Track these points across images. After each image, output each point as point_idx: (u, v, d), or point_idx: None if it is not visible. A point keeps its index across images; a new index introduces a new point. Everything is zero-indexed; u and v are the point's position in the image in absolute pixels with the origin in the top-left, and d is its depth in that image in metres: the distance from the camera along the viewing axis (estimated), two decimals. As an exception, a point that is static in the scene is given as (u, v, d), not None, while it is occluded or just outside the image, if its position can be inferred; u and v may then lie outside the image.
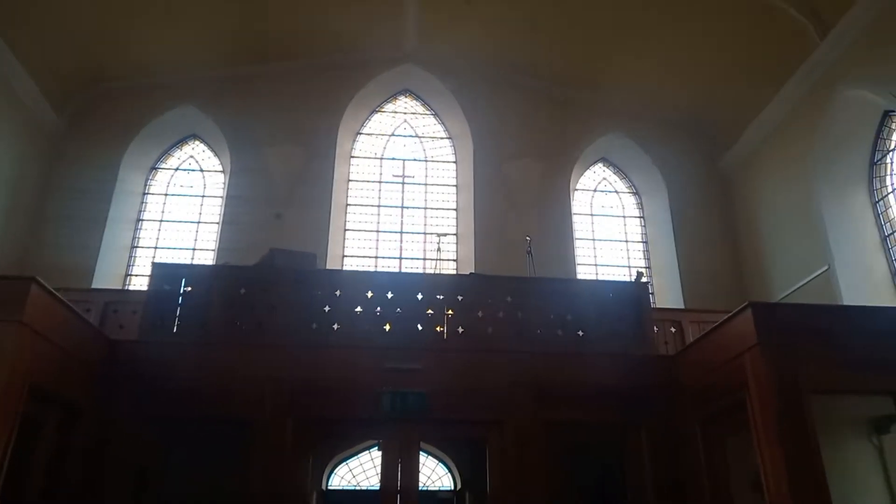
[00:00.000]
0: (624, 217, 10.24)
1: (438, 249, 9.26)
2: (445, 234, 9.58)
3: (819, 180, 7.75)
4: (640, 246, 10.04)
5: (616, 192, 10.41)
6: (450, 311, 5.68)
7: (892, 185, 7.36)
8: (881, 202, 7.46)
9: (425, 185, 10.12)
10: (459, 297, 5.69)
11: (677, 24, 8.46)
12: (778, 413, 4.02)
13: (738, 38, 8.29)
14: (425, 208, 9.95)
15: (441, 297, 5.71)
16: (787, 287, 8.06)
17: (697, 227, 9.60)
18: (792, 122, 8.33)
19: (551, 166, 9.71)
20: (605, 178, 10.46)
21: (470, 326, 5.58)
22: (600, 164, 10.45)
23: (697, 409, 5.05)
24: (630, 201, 10.36)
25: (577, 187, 10.13)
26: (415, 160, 10.28)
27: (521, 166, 9.64)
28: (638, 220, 10.22)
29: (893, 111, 7.03)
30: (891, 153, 7.39)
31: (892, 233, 7.29)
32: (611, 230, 10.09)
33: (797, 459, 3.87)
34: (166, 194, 9.75)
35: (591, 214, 10.12)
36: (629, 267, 9.75)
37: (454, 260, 9.57)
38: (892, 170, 7.38)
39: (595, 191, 10.33)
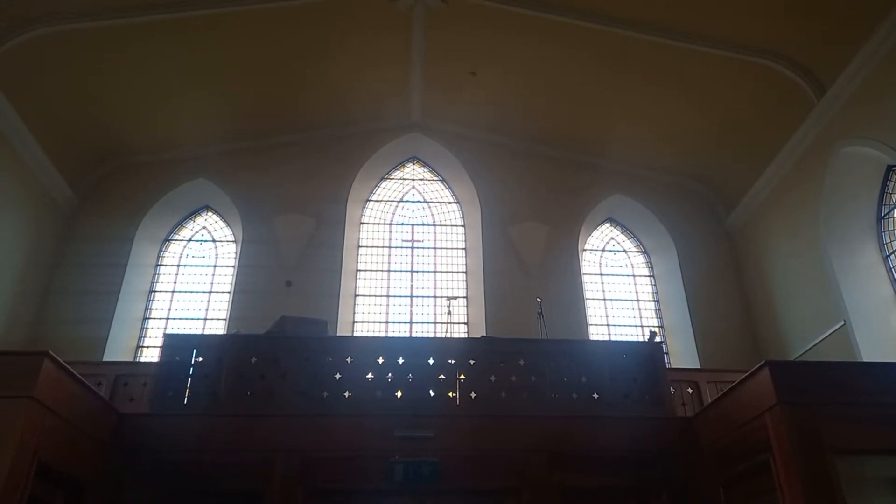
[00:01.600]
0: (634, 276, 10.22)
1: (449, 313, 9.25)
2: (456, 298, 9.58)
3: (827, 237, 7.73)
4: (652, 305, 9.97)
5: (625, 251, 10.43)
6: (462, 376, 5.63)
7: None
8: (892, 256, 7.42)
9: (434, 248, 10.20)
10: (471, 362, 5.64)
11: (674, 89, 8.67)
12: (802, 474, 3.91)
13: (736, 101, 8.45)
14: (435, 272, 9.99)
15: (453, 361, 5.67)
16: (803, 345, 7.94)
17: (708, 285, 9.55)
18: (795, 181, 8.39)
19: (558, 228, 9.79)
20: (612, 238, 10.51)
21: (482, 391, 5.51)
22: (607, 224, 10.52)
23: (719, 471, 4.92)
24: (639, 260, 10.36)
25: (585, 247, 10.16)
26: (423, 224, 10.40)
27: (528, 229, 9.72)
28: (648, 279, 10.19)
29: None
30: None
31: (908, 285, 7.22)
32: (621, 290, 10.06)
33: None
34: (179, 265, 9.86)
35: (601, 274, 10.11)
36: (641, 326, 9.66)
37: (465, 323, 9.53)
38: (898, 223, 7.38)
39: (604, 250, 10.36)
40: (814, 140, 7.99)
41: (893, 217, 7.46)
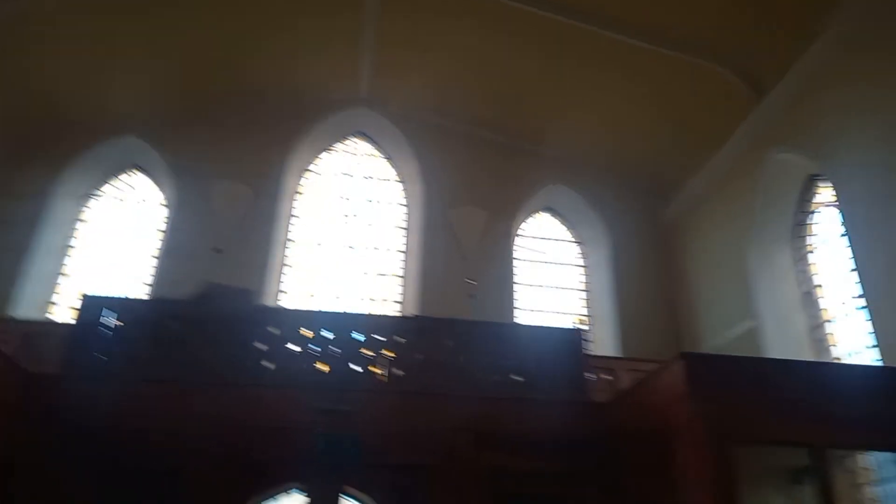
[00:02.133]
0: (566, 265, 10.46)
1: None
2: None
3: (749, 238, 8.15)
4: (583, 294, 10.26)
5: (560, 240, 10.65)
6: (389, 353, 5.65)
7: (813, 245, 7.78)
8: (802, 261, 7.87)
9: (372, 225, 10.14)
10: (402, 340, 5.66)
11: (619, 81, 8.87)
12: (705, 462, 4.12)
13: (678, 98, 8.73)
14: (370, 248, 9.94)
15: (382, 338, 5.68)
16: (717, 339, 8.35)
17: (638, 277, 9.89)
18: (729, 181, 8.76)
19: (496, 213, 9.90)
20: (548, 227, 10.71)
21: (410, 369, 5.54)
22: (545, 213, 10.70)
23: (631, 456, 5.13)
24: (573, 250, 10.61)
25: (520, 233, 10.31)
26: (363, 200, 10.30)
27: (468, 213, 9.79)
28: (581, 268, 10.47)
29: (817, 175, 7.48)
30: (811, 215, 7.84)
31: (811, 291, 7.66)
32: (553, 278, 10.29)
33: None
34: (100, 223, 9.44)
35: (534, 261, 10.30)
36: (570, 315, 9.93)
37: (399, 302, 9.55)
38: (813, 231, 7.82)
39: (539, 238, 10.54)
40: (749, 143, 8.36)
41: (808, 224, 7.91)
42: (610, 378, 7.06)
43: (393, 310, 9.44)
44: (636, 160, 10.23)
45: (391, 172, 10.56)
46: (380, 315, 8.59)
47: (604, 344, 9.45)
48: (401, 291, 9.64)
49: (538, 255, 10.38)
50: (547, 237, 10.61)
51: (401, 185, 10.46)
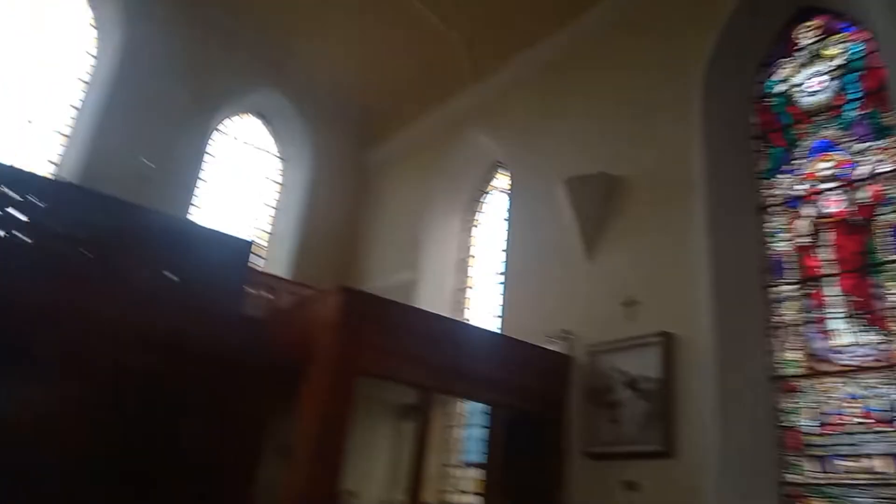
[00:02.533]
0: (261, 177, 10.16)
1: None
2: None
3: (430, 202, 8.94)
4: (271, 210, 10.09)
5: (263, 150, 10.26)
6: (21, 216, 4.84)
7: (478, 221, 8.82)
8: (465, 232, 8.87)
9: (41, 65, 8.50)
10: (40, 204, 4.90)
11: (360, 13, 8.81)
12: (329, 390, 4.42)
13: (412, 53, 9.02)
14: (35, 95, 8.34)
15: (16, 195, 4.83)
16: (379, 282, 8.97)
17: (327, 208, 10.06)
18: (428, 145, 9.38)
19: (199, 100, 9.06)
20: (255, 133, 10.22)
21: (43, 238, 4.84)
22: (255, 118, 10.18)
23: (272, 375, 5.26)
24: (274, 164, 10.34)
25: (221, 129, 9.65)
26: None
27: (168, 89, 8.78)
28: (276, 184, 10.26)
29: (501, 163, 8.42)
30: (486, 195, 8.86)
31: (465, 259, 8.70)
32: (245, 186, 9.90)
33: (328, 434, 4.29)
34: None
35: (228, 163, 9.76)
36: (249, 227, 9.71)
37: (56, 165, 8.19)
38: (482, 209, 8.86)
39: (241, 141, 10.01)
40: (453, 117, 9.03)
41: (480, 202, 8.92)
42: (271, 297, 7.11)
43: (46, 170, 8.08)
44: (359, 97, 10.32)
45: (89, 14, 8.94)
46: (16, 167, 7.29)
47: (277, 263, 9.47)
48: (61, 152, 8.29)
49: (235, 158, 9.88)
50: (250, 143, 10.15)
51: (95, 31, 8.91)
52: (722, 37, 6.10)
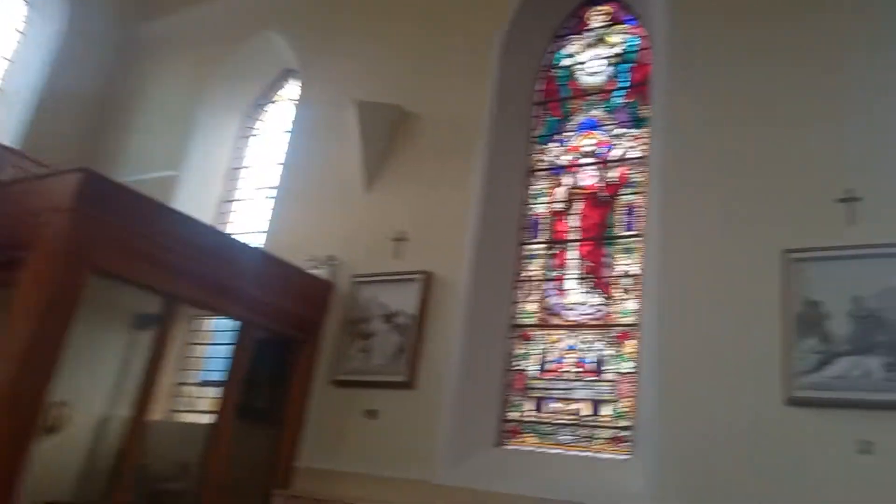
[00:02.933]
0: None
1: None
2: None
3: (207, 97, 8.13)
4: (5, 64, 8.39)
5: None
6: None
7: (259, 130, 8.26)
8: (243, 139, 8.27)
9: None
10: None
11: None
12: (48, 281, 3.84)
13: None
14: None
15: None
16: (137, 175, 8.00)
17: (80, 77, 8.64)
18: (218, 32, 8.40)
19: None
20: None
21: None
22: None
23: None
24: (19, 7, 8.55)
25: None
26: None
27: None
28: (18, 34, 8.53)
29: (294, 71, 7.90)
30: (272, 103, 8.30)
31: (238, 168, 8.14)
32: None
33: (43, 333, 3.75)
34: None
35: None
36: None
37: None
38: (265, 118, 8.30)
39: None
40: (253, 8, 8.26)
41: (265, 109, 8.34)
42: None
43: None
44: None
45: None
46: None
47: (5, 129, 7.95)
48: None
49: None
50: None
51: None
52: (525, 1, 6.31)
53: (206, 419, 5.59)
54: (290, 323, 5.73)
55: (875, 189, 4.20)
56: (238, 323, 5.44)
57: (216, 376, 5.88)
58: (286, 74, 8.19)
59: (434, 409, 5.10)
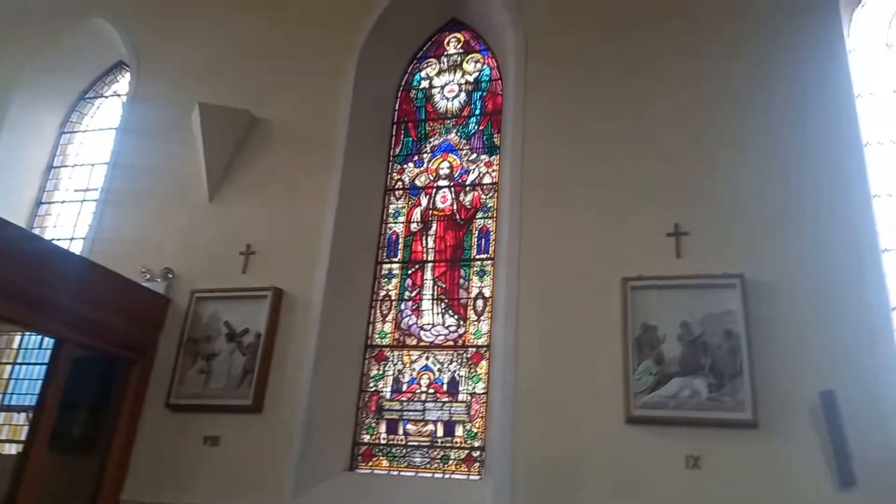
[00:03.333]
0: None
1: None
2: None
3: (27, 89, 7.17)
4: None
5: None
6: None
7: (78, 126, 7.41)
8: (65, 136, 7.38)
9: None
10: None
11: None
12: None
13: None
14: None
15: None
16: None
17: None
18: (42, 16, 7.46)
19: None
20: None
21: None
22: None
23: None
24: None
25: None
26: None
27: None
28: None
29: (127, 65, 7.18)
30: (102, 98, 7.48)
31: (59, 166, 7.24)
32: None
33: None
34: None
35: None
36: None
37: None
38: (92, 112, 7.47)
39: None
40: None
41: (93, 104, 7.48)
42: None
43: None
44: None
45: None
46: None
47: None
48: None
49: None
50: None
51: None
52: (383, 19, 6.30)
53: (12, 449, 4.84)
54: (117, 341, 5.16)
55: (700, 225, 4.69)
56: (52, 340, 4.79)
57: (25, 400, 5.11)
58: (118, 68, 7.44)
59: (282, 433, 4.84)
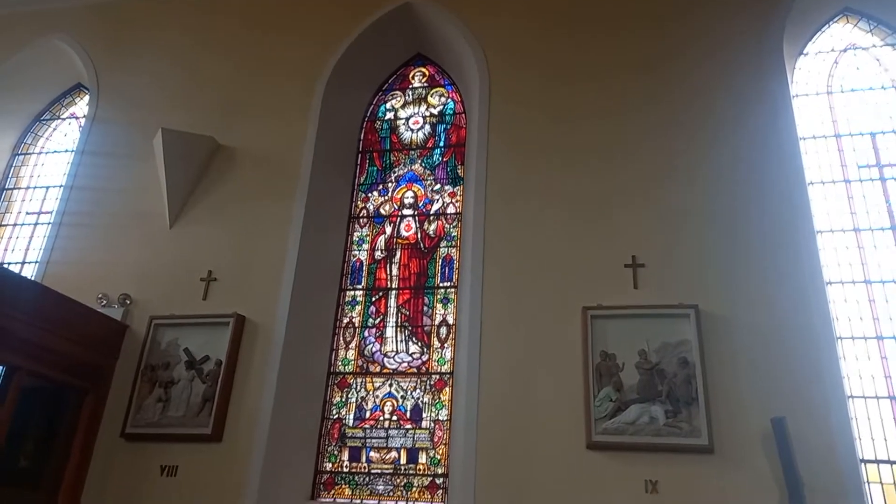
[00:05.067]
0: None
1: None
2: None
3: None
4: None
5: None
6: None
7: (42, 147, 7.27)
8: (19, 156, 7.21)
9: None
10: None
11: None
12: None
13: None
14: None
15: None
16: None
17: None
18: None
19: None
20: None
21: None
22: None
23: None
24: None
25: None
26: None
27: None
28: None
29: (86, 88, 7.08)
30: (60, 120, 7.34)
31: (11, 188, 7.05)
32: None
33: None
34: None
35: None
36: None
37: None
38: (50, 135, 7.32)
39: None
40: (44, 11, 7.30)
41: (50, 126, 7.32)
42: None
43: None
44: None
45: None
46: None
47: None
48: None
49: None
50: None
51: None
52: (350, 52, 6.41)
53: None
54: (71, 369, 5.01)
55: (656, 258, 4.88)
56: (2, 368, 4.62)
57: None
58: (77, 90, 7.34)
59: (242, 462, 4.76)
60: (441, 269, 5.70)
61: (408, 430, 5.10)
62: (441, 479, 4.86)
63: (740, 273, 4.69)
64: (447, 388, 5.16)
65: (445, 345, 5.35)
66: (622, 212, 5.11)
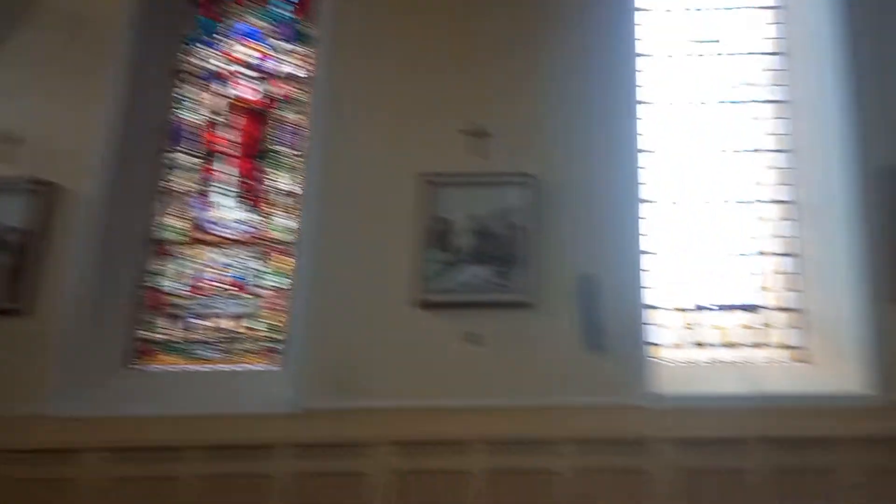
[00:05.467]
0: None
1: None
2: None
3: None
4: None
5: None
6: None
7: None
8: None
9: None
10: None
11: None
12: None
13: None
14: None
15: None
16: None
17: None
18: None
19: None
20: None
21: None
22: None
23: None
24: None
25: None
26: None
27: None
28: None
29: None
30: None
31: None
32: None
33: None
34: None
35: None
36: None
37: None
38: None
39: None
40: None
41: None
42: None
43: None
44: None
45: None
46: None
47: None
48: None
49: None
50: None
51: None
52: None
53: None
54: None
55: (495, 124, 4.88)
56: None
57: None
58: None
59: (51, 336, 4.44)
60: (280, 134, 5.37)
61: (239, 298, 4.95)
62: (276, 345, 4.82)
63: (572, 140, 4.83)
64: (283, 256, 5.01)
65: (281, 212, 5.14)
66: (468, 77, 5.02)
